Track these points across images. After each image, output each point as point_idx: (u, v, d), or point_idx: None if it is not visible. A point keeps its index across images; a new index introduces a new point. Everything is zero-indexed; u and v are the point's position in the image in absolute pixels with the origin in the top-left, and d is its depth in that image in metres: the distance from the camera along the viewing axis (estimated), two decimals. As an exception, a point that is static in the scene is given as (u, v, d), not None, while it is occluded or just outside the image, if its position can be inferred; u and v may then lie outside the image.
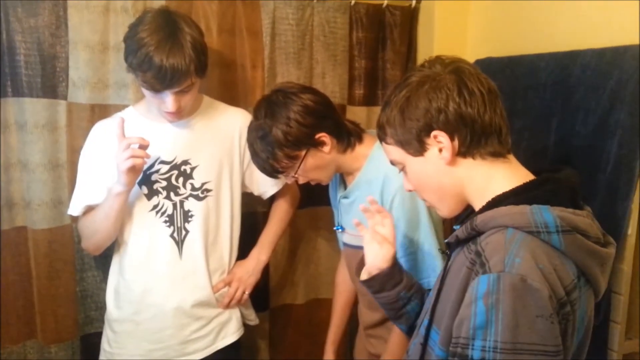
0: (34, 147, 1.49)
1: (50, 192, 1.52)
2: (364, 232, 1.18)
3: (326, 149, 1.32)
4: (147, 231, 1.40)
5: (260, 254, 1.59)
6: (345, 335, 1.74)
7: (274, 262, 1.82)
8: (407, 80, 0.91)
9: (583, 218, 0.82)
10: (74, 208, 1.43)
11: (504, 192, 0.86)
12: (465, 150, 0.88)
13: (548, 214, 0.79)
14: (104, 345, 1.49)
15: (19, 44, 1.45)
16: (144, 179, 1.39)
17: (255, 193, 1.58)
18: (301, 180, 1.39)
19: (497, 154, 0.88)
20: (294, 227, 1.83)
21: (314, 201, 1.79)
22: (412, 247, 1.30)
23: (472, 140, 0.87)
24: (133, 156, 1.26)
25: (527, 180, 0.87)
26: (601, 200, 1.22)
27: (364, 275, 1.17)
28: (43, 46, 1.48)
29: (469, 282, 0.79)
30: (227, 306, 1.51)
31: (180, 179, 1.41)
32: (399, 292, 1.13)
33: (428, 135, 0.88)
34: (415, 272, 1.29)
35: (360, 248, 1.41)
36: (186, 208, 1.42)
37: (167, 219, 1.41)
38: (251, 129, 1.34)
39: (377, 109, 1.90)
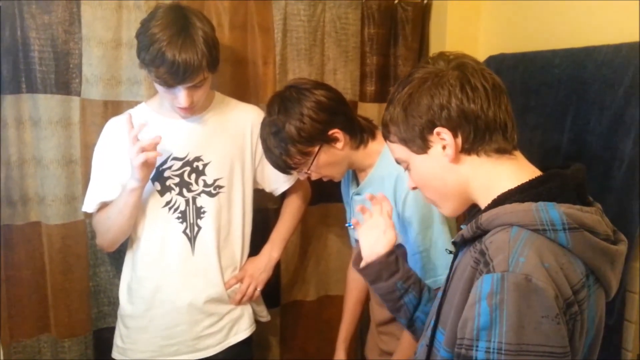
0: (47, 143, 1.51)
1: (64, 188, 1.54)
2: (365, 217, 1.18)
3: (339, 145, 1.32)
4: (159, 227, 1.41)
5: (272, 251, 1.59)
6: (356, 332, 1.75)
7: (285, 259, 1.82)
8: (410, 77, 0.90)
9: (591, 215, 0.80)
10: (89, 205, 1.44)
11: (509, 189, 0.84)
12: (469, 147, 0.86)
13: (554, 211, 0.77)
14: (117, 340, 1.50)
15: (33, 40, 1.47)
16: (157, 175, 1.40)
17: (267, 190, 1.58)
18: (314, 177, 1.39)
19: (503, 151, 0.87)
20: (305, 224, 1.83)
21: (325, 197, 1.79)
22: (424, 245, 1.29)
23: (476, 136, 0.85)
24: (144, 149, 1.27)
25: (532, 178, 0.85)
26: (616, 197, 1.21)
27: (362, 264, 1.16)
28: (57, 43, 1.49)
29: (474, 282, 0.77)
30: (239, 302, 1.51)
31: (193, 176, 1.42)
32: (396, 282, 1.12)
33: (431, 132, 0.87)
34: (427, 270, 1.28)
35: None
36: (198, 204, 1.42)
37: (179, 215, 1.41)
38: (264, 125, 1.35)
39: (388, 106, 1.90)
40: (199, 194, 1.42)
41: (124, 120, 1.35)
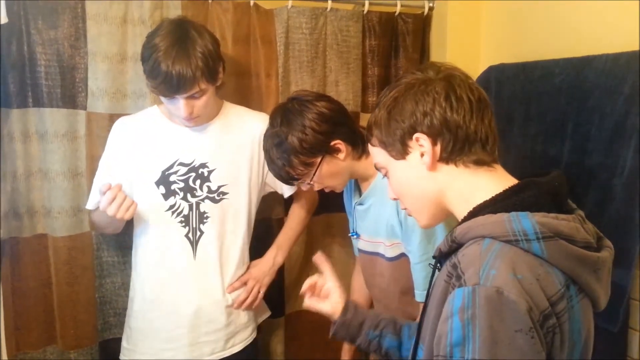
0: (54, 156, 1.53)
1: (70, 200, 1.55)
2: (307, 303, 1.22)
3: (341, 155, 1.33)
4: (162, 230, 1.44)
5: (276, 256, 1.60)
6: (360, 342, 1.74)
7: (290, 269, 1.82)
8: (398, 82, 0.91)
9: (567, 222, 0.78)
10: (90, 202, 1.48)
11: (484, 201, 0.83)
12: (447, 156, 0.86)
13: (526, 221, 0.76)
14: (123, 342, 1.52)
15: (40, 55, 1.49)
16: (162, 179, 1.42)
17: (279, 192, 1.60)
18: (316, 187, 1.40)
19: (481, 162, 0.86)
20: (309, 234, 1.84)
21: (328, 208, 1.80)
22: (427, 254, 1.30)
23: (455, 146, 0.86)
24: (127, 206, 1.31)
25: (506, 188, 0.83)
26: (617, 205, 1.21)
27: (330, 334, 1.18)
28: (63, 57, 1.52)
29: (446, 296, 0.76)
30: (242, 305, 1.52)
31: (198, 181, 1.44)
32: (367, 332, 1.13)
33: (411, 137, 0.87)
34: (430, 280, 1.29)
35: (376, 254, 1.42)
36: (202, 210, 1.44)
37: (182, 219, 1.43)
38: (267, 137, 1.36)
39: (390, 116, 1.91)
40: (202, 200, 1.44)
41: (133, 124, 1.43)
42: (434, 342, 0.77)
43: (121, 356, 1.51)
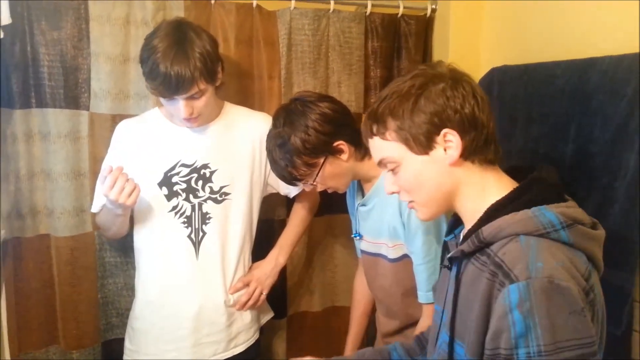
0: (57, 156, 1.53)
1: (73, 201, 1.56)
2: None
3: (344, 156, 1.34)
4: (165, 231, 1.44)
5: (278, 256, 1.60)
6: (363, 344, 1.74)
7: (292, 270, 1.83)
8: (415, 78, 0.91)
9: (575, 209, 0.87)
10: (94, 206, 1.48)
11: (498, 200, 0.88)
12: (469, 153, 0.89)
13: (550, 213, 0.83)
14: (126, 342, 1.52)
15: (43, 56, 1.50)
16: (165, 180, 1.43)
17: (282, 193, 1.60)
18: (319, 188, 1.40)
19: (492, 162, 0.92)
20: (311, 235, 1.84)
21: (331, 209, 1.80)
22: (429, 256, 1.30)
23: (478, 144, 0.89)
24: (129, 191, 1.30)
25: (517, 186, 0.90)
26: (620, 207, 1.21)
27: None
28: (66, 58, 1.52)
29: (493, 294, 0.81)
30: (244, 306, 1.52)
31: (200, 182, 1.44)
32: None
33: (438, 133, 0.88)
34: (432, 281, 1.29)
35: (378, 255, 1.42)
36: (204, 210, 1.44)
37: (185, 220, 1.43)
38: (270, 138, 1.36)
39: (393, 117, 1.91)
40: (205, 200, 1.44)
41: (135, 127, 1.43)
42: (486, 338, 0.81)
43: (124, 357, 1.51)
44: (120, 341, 1.56)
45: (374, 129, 0.94)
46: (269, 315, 1.68)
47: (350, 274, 1.77)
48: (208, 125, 1.46)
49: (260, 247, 1.61)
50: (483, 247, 0.86)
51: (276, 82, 1.73)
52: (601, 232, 0.89)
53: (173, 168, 1.43)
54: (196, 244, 1.45)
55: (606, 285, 1.20)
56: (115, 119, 1.56)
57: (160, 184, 1.43)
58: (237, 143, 1.49)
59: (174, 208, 1.43)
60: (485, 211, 0.88)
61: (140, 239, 1.47)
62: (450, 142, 0.88)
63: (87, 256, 1.60)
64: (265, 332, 1.74)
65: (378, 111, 0.93)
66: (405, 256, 1.35)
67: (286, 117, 1.33)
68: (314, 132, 1.29)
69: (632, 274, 1.16)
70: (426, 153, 0.90)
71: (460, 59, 1.82)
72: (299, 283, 1.88)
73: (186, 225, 1.44)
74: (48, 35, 1.49)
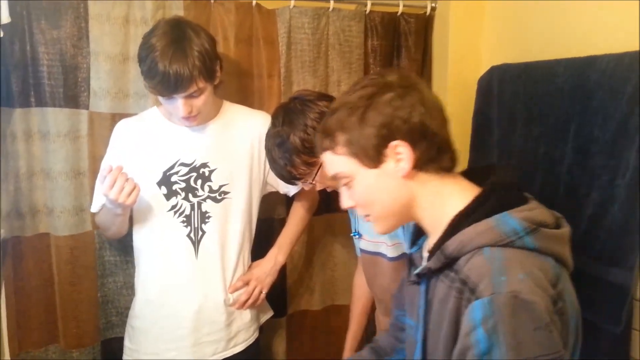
0: (56, 155, 1.53)
1: (73, 200, 1.56)
2: None
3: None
4: (164, 230, 1.44)
5: (278, 255, 1.60)
6: (362, 342, 1.74)
7: (291, 269, 1.83)
8: (364, 89, 0.88)
9: (538, 210, 0.84)
10: (94, 205, 1.48)
11: (461, 211, 0.85)
12: (423, 163, 0.86)
13: (512, 220, 0.80)
14: (126, 341, 1.52)
15: (42, 55, 1.50)
16: (164, 179, 1.43)
17: (281, 192, 1.60)
18: (318, 187, 1.40)
19: (449, 170, 0.89)
20: (310, 234, 1.84)
21: (330, 208, 1.80)
22: (429, 254, 1.30)
23: (430, 154, 0.86)
24: (129, 191, 1.29)
25: (478, 194, 0.86)
26: (620, 206, 1.21)
27: None
28: (65, 57, 1.52)
29: (461, 311, 0.78)
30: (244, 305, 1.52)
31: (199, 181, 1.44)
32: None
33: (387, 144, 0.85)
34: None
35: (378, 254, 1.42)
36: (203, 209, 1.44)
37: (184, 219, 1.43)
38: (269, 137, 1.36)
39: (392, 116, 1.91)
40: (204, 200, 1.44)
41: (134, 127, 1.43)
42: (452, 357, 0.79)
43: (124, 356, 1.51)
44: (120, 340, 1.56)
45: (325, 143, 0.91)
46: (269, 314, 1.68)
47: (349, 273, 1.78)
48: (207, 124, 1.46)
49: (260, 246, 1.61)
50: (450, 262, 0.83)
51: (276, 80, 1.73)
52: (565, 230, 0.86)
53: (172, 167, 1.43)
54: (195, 243, 1.45)
55: (606, 283, 1.21)
56: (115, 118, 1.56)
57: (159, 183, 1.43)
58: (236, 142, 1.49)
59: (173, 207, 1.43)
60: (449, 223, 0.85)
61: (140, 238, 1.47)
62: (401, 154, 0.85)
63: (87, 255, 1.60)
64: (265, 330, 1.74)
65: (327, 125, 0.90)
66: (404, 255, 1.35)
67: (285, 116, 1.32)
68: (313, 131, 1.29)
69: (632, 272, 1.16)
70: (377, 166, 0.87)
71: (460, 57, 1.83)
72: (298, 282, 1.88)
73: (185, 224, 1.44)
74: (47, 34, 1.49)
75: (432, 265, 0.86)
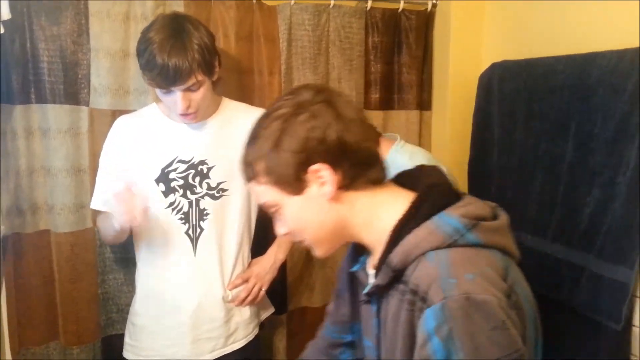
0: (56, 152, 1.53)
1: (73, 197, 1.56)
2: None
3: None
4: (163, 227, 1.43)
5: (277, 253, 1.60)
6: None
7: (291, 266, 1.83)
8: (278, 111, 0.83)
9: (475, 204, 0.81)
10: (94, 202, 1.47)
11: (400, 220, 0.81)
12: (348, 183, 0.82)
13: (451, 219, 0.77)
14: (126, 338, 1.52)
15: (42, 51, 1.49)
16: (162, 176, 1.42)
17: None
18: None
19: (378, 181, 0.85)
20: (311, 231, 1.84)
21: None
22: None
23: (354, 171, 0.82)
24: (135, 216, 1.28)
25: (413, 199, 0.82)
26: (621, 203, 1.21)
27: None
28: (65, 54, 1.52)
29: (415, 323, 0.75)
30: (243, 302, 1.52)
31: (197, 178, 1.44)
32: None
33: (307, 169, 0.81)
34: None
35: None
36: (202, 206, 1.44)
37: (182, 216, 1.43)
38: (268, 133, 1.36)
39: (393, 113, 1.91)
40: (202, 197, 1.44)
41: (133, 124, 1.42)
42: None
43: (124, 353, 1.51)
44: (121, 337, 1.56)
45: (247, 173, 0.87)
46: (270, 310, 1.68)
47: (350, 270, 1.77)
48: (206, 121, 1.45)
49: (260, 243, 1.60)
50: (398, 275, 0.79)
51: (276, 77, 1.73)
52: (503, 219, 0.83)
53: (170, 164, 1.42)
54: (194, 240, 1.45)
55: (606, 280, 1.21)
56: (115, 114, 1.56)
57: (157, 180, 1.42)
58: (235, 139, 1.48)
59: (171, 204, 1.43)
60: (390, 235, 0.80)
61: (139, 235, 1.47)
62: (322, 177, 0.81)
63: (88, 252, 1.60)
64: (266, 327, 1.74)
65: (246, 155, 0.86)
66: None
67: (285, 112, 1.32)
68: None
69: (632, 269, 1.16)
70: (301, 193, 0.83)
71: (460, 54, 1.83)
72: (299, 279, 1.88)
73: (183, 221, 1.44)
74: (48, 30, 1.49)
75: (381, 281, 0.81)
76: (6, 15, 1.37)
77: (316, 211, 0.84)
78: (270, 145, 0.82)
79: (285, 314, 1.86)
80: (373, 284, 0.83)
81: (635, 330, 1.26)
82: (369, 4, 1.79)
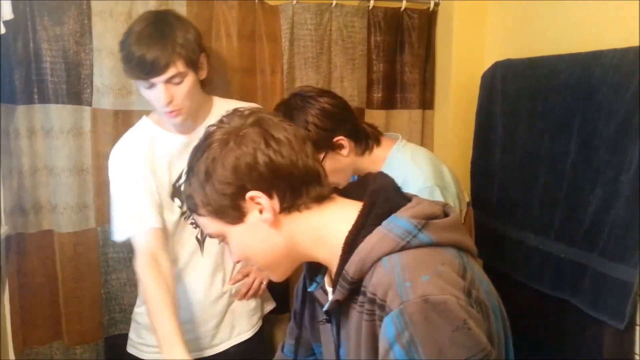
0: (59, 152, 1.54)
1: (76, 197, 1.56)
2: None
3: (344, 152, 1.33)
4: (176, 234, 1.43)
5: None
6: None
7: (294, 265, 1.83)
8: (208, 140, 0.81)
9: (423, 204, 0.79)
10: (118, 233, 1.38)
11: (350, 231, 0.78)
12: (289, 205, 0.80)
13: (400, 221, 0.75)
14: (131, 334, 1.51)
15: (45, 52, 1.50)
16: (176, 191, 1.40)
17: None
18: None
19: (322, 198, 0.82)
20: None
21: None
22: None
23: (293, 192, 0.79)
24: None
25: (361, 208, 0.80)
26: (624, 201, 1.20)
27: None
28: (68, 54, 1.52)
29: (377, 334, 0.72)
30: (245, 296, 1.53)
31: None
32: None
33: (243, 198, 0.79)
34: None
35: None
36: None
37: (193, 221, 1.43)
38: (270, 133, 1.35)
39: (396, 112, 1.91)
40: None
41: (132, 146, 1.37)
42: None
43: (129, 348, 1.50)
44: (124, 336, 1.56)
45: (189, 206, 0.85)
46: (271, 305, 1.68)
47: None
48: (202, 125, 1.41)
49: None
50: (356, 287, 0.76)
51: (279, 77, 1.73)
52: (454, 216, 0.81)
53: (179, 178, 1.40)
54: (201, 242, 1.45)
55: (609, 279, 1.21)
56: (118, 114, 1.56)
57: (172, 196, 1.40)
58: None
59: (184, 213, 1.42)
60: (343, 248, 0.78)
61: None
62: (259, 205, 0.79)
63: (90, 252, 1.60)
64: (268, 326, 1.74)
65: (186, 188, 0.84)
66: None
67: (286, 112, 1.32)
68: (314, 128, 1.28)
69: (636, 268, 1.16)
70: (241, 221, 0.81)
71: (463, 53, 1.82)
72: (301, 278, 1.88)
73: (194, 225, 1.44)
74: (50, 30, 1.50)
75: (339, 296, 0.78)
76: (8, 15, 1.38)
77: (260, 238, 0.82)
78: (202, 177, 0.80)
79: (287, 313, 1.86)
80: (331, 300, 0.81)
81: (638, 329, 1.25)
82: (371, 3, 1.78)
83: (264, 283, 1.57)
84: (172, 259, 1.44)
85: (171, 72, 1.24)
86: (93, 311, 1.63)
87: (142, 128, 1.41)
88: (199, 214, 0.84)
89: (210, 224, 0.84)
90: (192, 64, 1.28)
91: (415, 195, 0.84)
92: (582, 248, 1.30)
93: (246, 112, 0.83)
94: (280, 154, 0.78)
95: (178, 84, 1.28)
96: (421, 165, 1.32)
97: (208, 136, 0.82)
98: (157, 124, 1.41)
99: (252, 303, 1.56)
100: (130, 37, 1.24)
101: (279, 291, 1.69)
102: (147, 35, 1.23)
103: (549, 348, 1.40)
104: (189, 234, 1.44)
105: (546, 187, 1.42)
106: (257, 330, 1.57)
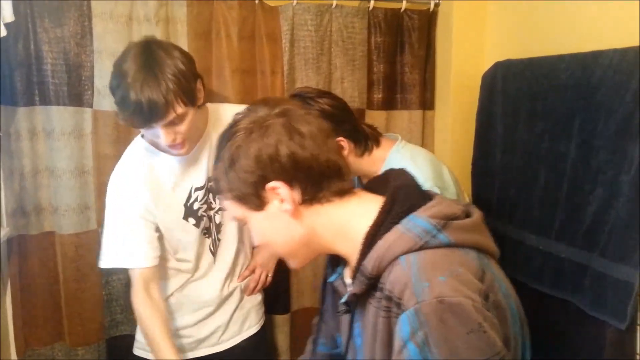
0: (60, 154, 1.54)
1: (77, 198, 1.56)
2: None
3: (344, 153, 1.33)
4: (195, 247, 1.43)
5: None
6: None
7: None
8: (234, 128, 0.82)
9: (444, 204, 0.79)
10: (106, 261, 1.35)
11: (371, 227, 0.79)
12: (310, 197, 0.81)
13: (419, 220, 0.76)
14: (137, 336, 1.49)
15: (46, 53, 1.51)
16: (188, 211, 1.37)
17: None
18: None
19: (343, 192, 0.83)
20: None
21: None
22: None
23: (314, 185, 0.81)
24: None
25: (382, 205, 0.81)
26: (625, 201, 1.20)
27: None
28: (69, 56, 1.52)
29: (392, 330, 0.73)
30: (253, 291, 1.56)
31: (210, 196, 1.42)
32: None
33: (264, 187, 0.80)
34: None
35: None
36: (217, 221, 1.45)
37: (206, 231, 1.44)
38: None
39: (396, 113, 1.91)
40: (217, 212, 1.44)
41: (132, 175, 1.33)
42: None
43: (135, 350, 1.48)
44: (126, 338, 1.57)
45: (217, 189, 0.88)
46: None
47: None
48: (200, 141, 1.36)
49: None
50: (373, 283, 0.77)
51: (279, 77, 1.73)
52: (477, 216, 0.81)
53: (189, 197, 1.38)
54: (214, 252, 1.47)
55: (610, 279, 1.21)
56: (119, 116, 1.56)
57: (185, 217, 1.38)
58: None
59: (197, 225, 1.41)
60: (362, 243, 0.79)
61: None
62: (280, 195, 0.80)
63: (92, 253, 1.60)
64: (269, 327, 1.74)
65: (214, 172, 0.87)
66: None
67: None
68: (315, 129, 1.28)
69: (637, 268, 1.16)
70: (262, 209, 0.83)
71: (463, 53, 1.82)
72: (302, 279, 1.88)
73: (207, 235, 1.44)
74: (51, 32, 1.50)
75: (357, 290, 0.79)
76: (9, 17, 1.38)
77: (280, 227, 0.84)
78: (227, 164, 0.82)
79: (288, 314, 1.87)
80: (349, 292, 0.82)
81: (639, 329, 1.25)
82: (372, 3, 1.78)
83: (270, 275, 1.60)
84: (193, 267, 1.44)
85: (170, 116, 1.18)
86: (94, 312, 1.63)
87: (140, 153, 1.35)
88: (225, 197, 0.86)
89: (233, 207, 0.86)
90: (190, 100, 1.20)
91: (437, 194, 0.85)
92: (582, 248, 1.30)
93: (273, 103, 0.83)
94: (302, 147, 0.79)
95: (178, 124, 1.21)
96: (420, 166, 1.32)
97: (234, 124, 0.84)
98: (155, 146, 1.33)
99: (258, 297, 1.59)
100: (125, 80, 1.14)
101: (279, 293, 1.69)
102: (142, 79, 1.13)
103: (550, 348, 1.40)
104: (204, 244, 1.45)
105: (546, 187, 1.42)
106: (262, 323, 1.60)
